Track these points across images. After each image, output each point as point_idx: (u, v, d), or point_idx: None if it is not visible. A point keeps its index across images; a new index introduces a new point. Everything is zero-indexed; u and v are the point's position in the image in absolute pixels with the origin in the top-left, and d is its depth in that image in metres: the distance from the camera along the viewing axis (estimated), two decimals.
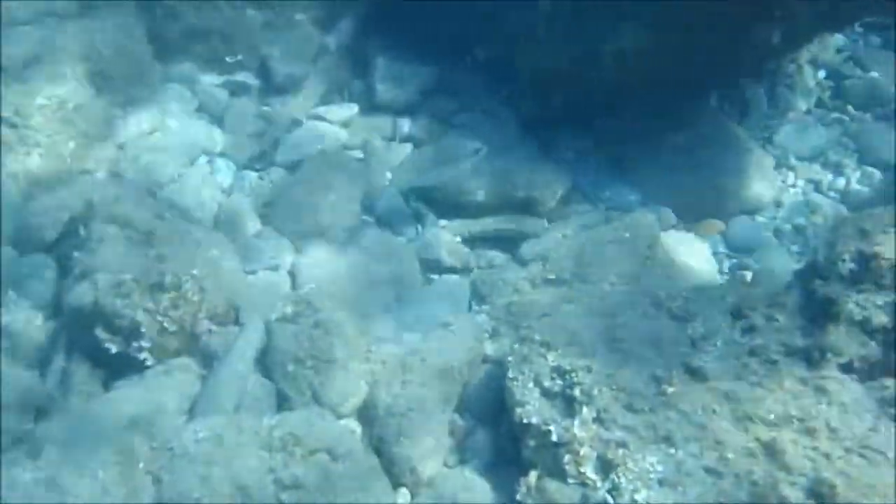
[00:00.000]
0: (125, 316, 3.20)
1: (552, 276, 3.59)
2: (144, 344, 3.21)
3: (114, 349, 3.22)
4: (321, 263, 3.75)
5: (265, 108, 4.56)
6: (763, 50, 3.44)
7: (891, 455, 2.23)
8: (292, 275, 3.74)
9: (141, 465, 2.84)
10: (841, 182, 4.22)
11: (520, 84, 4.43)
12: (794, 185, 4.26)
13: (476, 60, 4.59)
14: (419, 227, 3.98)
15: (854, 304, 2.49)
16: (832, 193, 4.20)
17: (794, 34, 3.39)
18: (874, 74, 4.54)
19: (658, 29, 3.64)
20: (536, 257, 3.76)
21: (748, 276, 3.77)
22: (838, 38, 4.73)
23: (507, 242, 3.92)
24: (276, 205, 4.05)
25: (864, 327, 2.46)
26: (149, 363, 3.23)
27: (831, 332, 2.49)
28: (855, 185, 4.19)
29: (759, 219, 4.10)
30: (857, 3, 3.25)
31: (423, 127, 4.46)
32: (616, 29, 3.77)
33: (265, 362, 3.24)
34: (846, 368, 2.43)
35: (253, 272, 3.71)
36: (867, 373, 2.39)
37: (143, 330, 3.21)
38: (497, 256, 3.87)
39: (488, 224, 3.93)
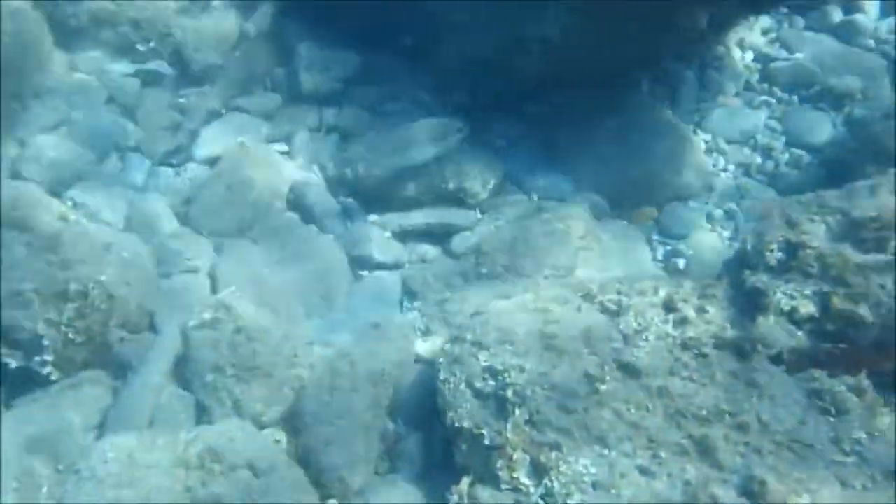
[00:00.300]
0: (25, 328, 2.98)
1: (485, 271, 3.50)
2: (47, 357, 3.01)
3: (13, 364, 3.00)
4: (243, 264, 3.57)
5: (181, 99, 4.32)
6: (691, 34, 3.40)
7: (819, 447, 2.22)
8: (212, 277, 3.55)
9: (44, 489, 2.65)
10: (770, 165, 4.24)
11: (447, 72, 4.31)
12: (724, 170, 4.26)
13: (402, 47, 4.45)
14: (348, 223, 3.82)
15: (782, 294, 2.48)
16: (761, 177, 4.22)
17: (721, 18, 3.35)
18: (800, 56, 4.58)
19: (583, 15, 3.56)
20: (469, 251, 3.66)
21: (681, 263, 3.76)
22: (765, 20, 4.75)
23: (439, 236, 3.80)
24: (193, 203, 3.84)
25: (793, 317, 2.44)
26: (53, 377, 3.02)
27: (761, 323, 2.47)
28: (784, 168, 4.22)
29: (692, 204, 4.09)
30: None
31: (350, 116, 4.30)
32: (540, 16, 3.67)
33: (182, 372, 3.07)
34: (776, 360, 2.41)
35: (168, 276, 3.51)
36: (796, 364, 2.38)
37: (45, 343, 2.99)
38: (429, 251, 3.76)
39: (419, 218, 3.80)
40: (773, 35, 4.72)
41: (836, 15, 4.74)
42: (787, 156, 4.26)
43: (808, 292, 2.44)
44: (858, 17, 4.59)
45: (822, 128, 4.30)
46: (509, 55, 3.97)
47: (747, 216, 4.02)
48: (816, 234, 2.51)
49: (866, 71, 4.47)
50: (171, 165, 4.07)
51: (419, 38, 4.38)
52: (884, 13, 4.71)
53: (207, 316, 3.12)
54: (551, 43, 3.81)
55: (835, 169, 4.09)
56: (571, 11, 3.64)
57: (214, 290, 3.50)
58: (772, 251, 2.56)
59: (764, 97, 4.52)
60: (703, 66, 4.55)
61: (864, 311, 2.30)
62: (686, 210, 4.06)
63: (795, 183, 4.13)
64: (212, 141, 4.12)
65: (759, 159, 4.29)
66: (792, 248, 2.53)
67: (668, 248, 3.94)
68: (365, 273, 3.67)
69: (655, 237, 3.99)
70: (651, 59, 4.02)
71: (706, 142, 4.34)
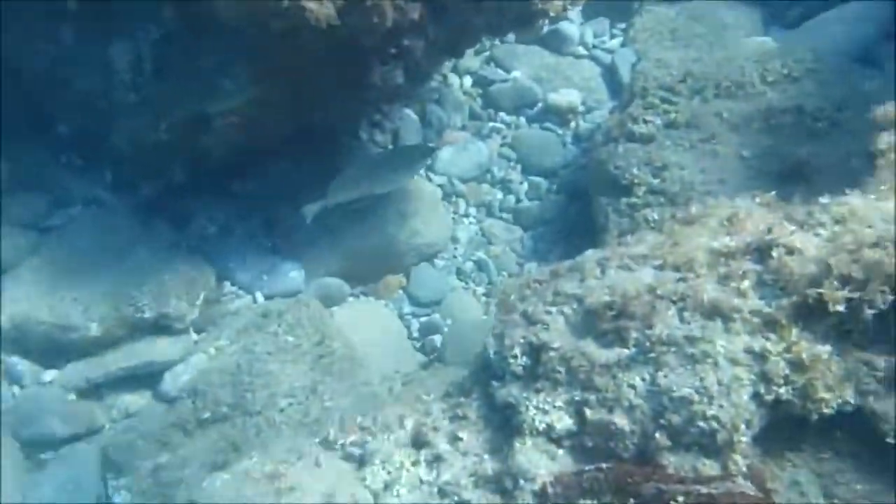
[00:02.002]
0: None
1: (207, 415, 2.90)
2: None
3: None
4: None
5: None
6: (390, 89, 3.04)
7: None
8: None
9: None
10: (511, 200, 4.06)
11: (124, 161, 3.60)
12: (466, 215, 4.01)
13: (60, 138, 3.65)
14: (14, 390, 3.01)
15: (535, 408, 2.17)
16: (505, 214, 4.02)
17: (416, 67, 3.02)
18: (517, 74, 4.44)
19: (268, 83, 3.06)
20: (185, 391, 3.03)
21: (438, 340, 3.43)
22: None
23: (144, 378, 3.13)
24: None
25: (550, 436, 2.15)
26: None
27: (518, 449, 2.15)
28: (525, 201, 4.05)
29: (439, 263, 3.79)
30: (477, 30, 2.97)
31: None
32: (216, 89, 3.12)
33: None
34: (541, 496, 2.10)
35: None
36: (563, 496, 2.09)
37: None
38: (133, 401, 3.07)
39: (112, 362, 3.09)
40: (487, 54, 4.54)
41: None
42: (525, 186, 4.10)
43: (559, 403, 2.16)
44: (563, 24, 4.55)
45: (554, 149, 4.19)
46: (191, 134, 3.38)
47: (498, 264, 3.81)
48: (557, 330, 2.23)
49: (583, 81, 4.44)
50: None
51: (78, 125, 3.62)
52: (586, 16, 4.73)
53: None
54: (238, 115, 3.27)
55: (574, 193, 4.00)
56: (255, 81, 3.13)
57: None
58: (515, 357, 2.25)
59: (491, 124, 4.33)
60: (423, 100, 4.26)
61: (619, 418, 2.06)
62: (433, 271, 3.75)
63: (539, 216, 3.98)
64: None
65: (499, 195, 4.09)
66: (535, 351, 2.23)
67: (423, 319, 3.61)
68: (48, 455, 2.90)
69: (407, 309, 3.64)
70: (353, 114, 3.62)
71: (441, 186, 4.05)
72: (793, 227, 2.03)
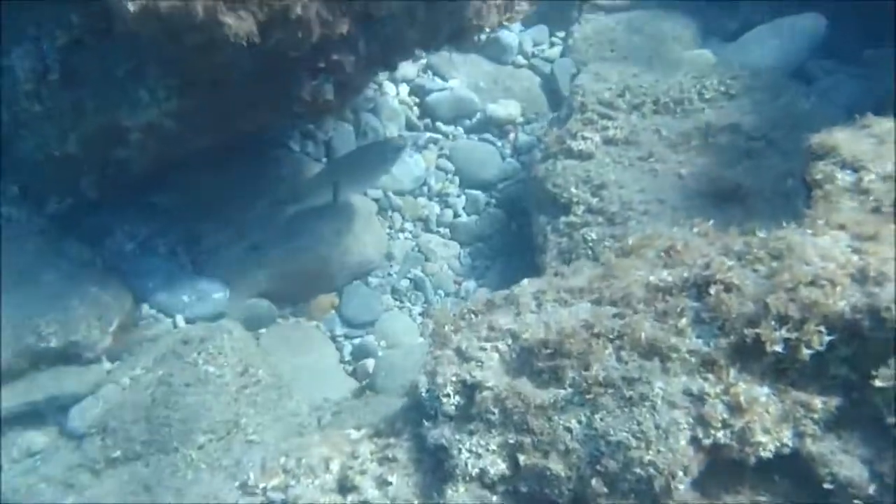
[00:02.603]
0: None
1: (117, 454, 2.72)
2: None
3: None
4: None
5: None
6: (320, 104, 2.90)
7: None
8: None
9: None
10: (449, 214, 3.96)
11: (32, 174, 3.36)
12: (402, 230, 3.90)
13: None
14: None
15: (468, 451, 2.08)
16: (442, 229, 3.92)
17: (347, 81, 2.89)
18: (455, 83, 4.35)
19: (184, 94, 2.88)
20: (94, 427, 2.83)
21: (370, 365, 3.31)
22: None
23: (50, 413, 2.91)
24: None
25: (483, 481, 2.07)
26: None
27: (450, 497, 2.06)
28: (463, 216, 3.96)
29: (373, 281, 3.67)
30: (410, 43, 2.86)
31: None
32: (133, 100, 2.93)
33: None
34: None
35: None
36: None
37: None
38: (36, 440, 2.86)
39: (13, 397, 2.87)
40: (424, 62, 4.43)
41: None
42: (463, 199, 4.01)
43: (493, 446, 2.07)
44: (503, 33, 4.47)
45: (492, 161, 4.12)
46: (105, 147, 3.17)
47: (434, 282, 3.71)
48: (491, 368, 2.14)
49: (523, 91, 4.38)
50: None
51: None
52: (526, 23, 4.66)
53: None
54: (156, 127, 3.08)
55: (512, 208, 3.93)
56: (174, 92, 2.94)
57: None
58: (448, 396, 2.15)
59: (428, 134, 4.23)
60: (357, 109, 4.12)
61: (554, 463, 1.99)
62: (367, 290, 3.62)
63: (477, 231, 3.90)
64: None
65: (437, 209, 3.99)
66: (469, 390, 2.14)
67: (356, 341, 3.48)
68: None
69: (339, 331, 3.51)
70: (282, 126, 3.47)
71: (377, 200, 3.93)
72: (731, 263, 1.98)
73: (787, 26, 4.14)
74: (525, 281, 2.37)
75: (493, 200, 4.00)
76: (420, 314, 3.57)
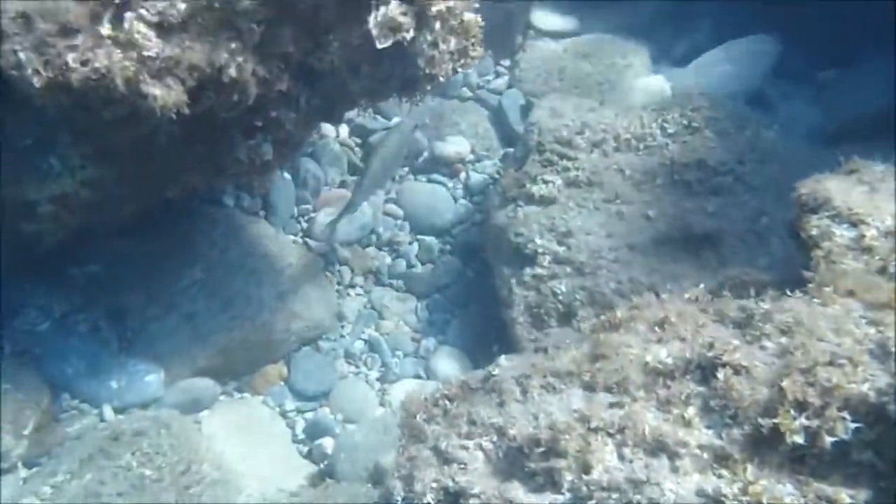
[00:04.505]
0: None
1: None
2: None
3: None
4: None
5: None
6: (258, 166, 2.65)
7: None
8: None
9: None
10: (401, 264, 3.74)
11: None
12: (352, 285, 3.66)
13: None
14: None
15: None
16: (395, 281, 3.70)
17: (287, 139, 2.65)
18: (395, 120, 4.14)
19: (101, 163, 2.59)
20: None
21: (329, 446, 3.05)
22: None
23: None
24: None
25: None
26: None
27: None
28: (417, 265, 3.74)
29: (324, 345, 3.42)
30: (355, 95, 2.64)
31: None
32: (40, 173, 2.62)
33: None
34: None
35: None
36: None
37: None
38: None
39: None
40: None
41: None
42: (416, 247, 3.79)
43: None
44: None
45: (444, 204, 3.92)
46: (11, 221, 2.84)
47: (391, 342, 3.48)
48: (476, 471, 1.94)
49: (471, 126, 4.20)
50: None
51: None
52: None
53: None
54: (72, 198, 2.77)
55: (468, 254, 3.75)
56: (88, 161, 2.64)
57: None
58: None
59: None
60: (295, 157, 3.86)
61: None
62: (318, 357, 3.38)
63: (433, 281, 3.70)
64: None
65: (388, 259, 3.77)
66: (452, 498, 1.93)
67: (309, 415, 3.23)
68: None
69: (290, 406, 3.25)
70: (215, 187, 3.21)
71: (322, 252, 3.68)
72: (736, 342, 1.83)
73: (739, 51, 4.10)
74: (502, 359, 2.18)
75: (448, 247, 3.80)
76: (377, 379, 3.34)
